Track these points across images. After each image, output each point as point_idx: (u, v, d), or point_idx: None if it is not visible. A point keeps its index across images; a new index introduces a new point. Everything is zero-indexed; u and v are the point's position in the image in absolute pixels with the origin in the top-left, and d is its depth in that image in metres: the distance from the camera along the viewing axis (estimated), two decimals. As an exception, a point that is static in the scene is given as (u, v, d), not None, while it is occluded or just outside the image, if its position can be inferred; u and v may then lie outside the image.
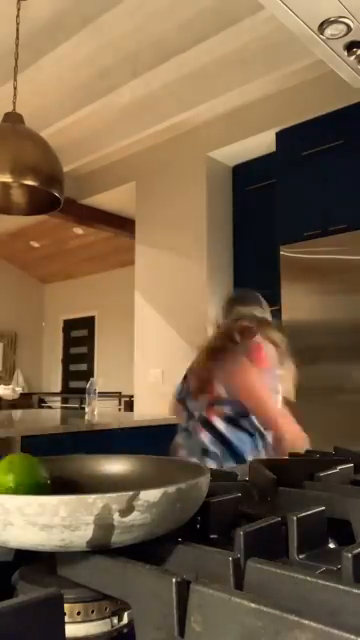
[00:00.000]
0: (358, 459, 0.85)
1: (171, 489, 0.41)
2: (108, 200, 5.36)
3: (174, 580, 0.32)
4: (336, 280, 3.35)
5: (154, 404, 4.40)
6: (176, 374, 4.29)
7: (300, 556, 0.46)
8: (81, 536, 0.38)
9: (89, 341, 8.33)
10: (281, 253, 3.62)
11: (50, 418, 3.08)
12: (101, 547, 0.39)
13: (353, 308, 3.26)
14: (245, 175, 4.37)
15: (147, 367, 4.51)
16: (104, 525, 0.38)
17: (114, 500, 0.38)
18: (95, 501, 0.38)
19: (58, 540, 0.38)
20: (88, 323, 8.34)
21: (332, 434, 3.12)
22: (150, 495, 0.39)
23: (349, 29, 1.15)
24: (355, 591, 0.31)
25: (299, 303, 3.51)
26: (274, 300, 3.75)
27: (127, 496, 0.38)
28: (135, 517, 0.39)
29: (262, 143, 4.05)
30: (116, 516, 0.38)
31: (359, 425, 3.11)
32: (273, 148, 3.90)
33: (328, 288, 3.38)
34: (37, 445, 2.28)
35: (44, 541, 0.38)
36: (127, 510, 0.38)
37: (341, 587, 0.31)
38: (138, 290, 4.70)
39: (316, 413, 3.34)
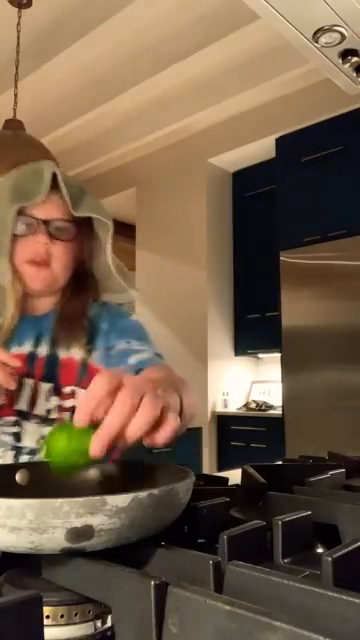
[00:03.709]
0: (351, 464, 0.85)
1: (142, 494, 0.41)
2: (109, 206, 5.33)
3: (152, 583, 0.33)
4: (336, 285, 3.35)
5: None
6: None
7: (285, 560, 0.46)
8: (50, 539, 0.38)
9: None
10: (281, 259, 3.63)
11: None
12: (72, 551, 0.40)
13: (353, 313, 3.26)
14: (245, 181, 4.39)
15: (147, 372, 4.51)
16: (72, 529, 0.38)
17: (81, 504, 0.39)
18: (61, 505, 0.38)
19: (27, 542, 0.38)
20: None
21: (331, 439, 3.12)
22: (119, 500, 0.40)
23: (343, 37, 1.16)
24: (330, 594, 0.31)
25: (299, 309, 3.52)
26: (274, 306, 3.76)
27: (94, 500, 0.39)
28: (103, 522, 0.39)
29: (262, 149, 4.08)
30: (83, 520, 0.39)
31: (358, 431, 3.10)
32: (273, 154, 3.92)
33: (328, 293, 3.39)
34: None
35: (14, 543, 0.39)
36: (94, 515, 0.39)
37: (316, 590, 0.32)
38: (138, 295, 4.71)
39: (315, 418, 3.34)
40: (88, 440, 0.49)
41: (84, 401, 0.51)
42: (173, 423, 0.53)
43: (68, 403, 0.96)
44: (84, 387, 0.96)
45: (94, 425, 0.50)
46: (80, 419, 0.50)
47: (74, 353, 0.99)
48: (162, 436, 0.52)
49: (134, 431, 0.49)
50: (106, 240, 1.01)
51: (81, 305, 1.01)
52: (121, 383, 0.51)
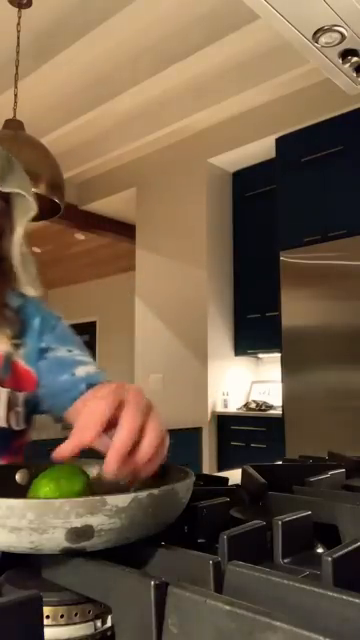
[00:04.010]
0: (351, 464, 0.85)
1: (142, 494, 0.41)
2: (109, 206, 5.39)
3: (152, 583, 0.33)
4: (336, 286, 3.35)
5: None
6: (176, 379, 4.31)
7: (285, 560, 0.46)
8: (50, 539, 0.38)
9: (90, 346, 8.35)
10: (281, 259, 3.63)
11: (52, 423, 3.08)
12: (72, 551, 0.40)
13: (353, 313, 3.26)
14: (245, 181, 4.39)
15: (148, 372, 4.52)
16: (72, 529, 0.38)
17: (81, 504, 0.39)
18: (62, 505, 0.38)
19: (28, 542, 0.38)
20: (89, 329, 8.35)
21: (331, 439, 3.12)
22: (119, 500, 0.40)
23: (343, 37, 1.16)
24: (330, 594, 0.31)
25: (299, 309, 3.52)
26: (274, 306, 3.76)
27: (94, 500, 0.39)
28: (103, 522, 0.39)
29: (262, 149, 4.08)
30: (83, 520, 0.39)
31: (358, 431, 3.10)
32: (273, 154, 3.92)
33: (328, 293, 3.39)
34: (40, 449, 2.28)
35: (15, 543, 0.39)
36: (94, 515, 0.39)
37: (316, 590, 0.32)
38: (139, 295, 4.71)
39: (315, 418, 3.34)
40: (79, 483, 0.46)
41: (90, 420, 0.46)
42: (162, 453, 0.50)
43: None
44: (5, 386, 0.81)
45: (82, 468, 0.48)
46: (86, 439, 0.45)
47: None
48: (151, 468, 0.50)
49: (143, 455, 0.47)
50: (21, 223, 0.85)
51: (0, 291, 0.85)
52: (123, 399, 0.49)
